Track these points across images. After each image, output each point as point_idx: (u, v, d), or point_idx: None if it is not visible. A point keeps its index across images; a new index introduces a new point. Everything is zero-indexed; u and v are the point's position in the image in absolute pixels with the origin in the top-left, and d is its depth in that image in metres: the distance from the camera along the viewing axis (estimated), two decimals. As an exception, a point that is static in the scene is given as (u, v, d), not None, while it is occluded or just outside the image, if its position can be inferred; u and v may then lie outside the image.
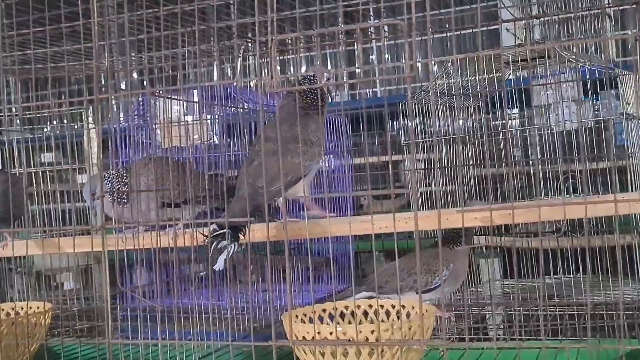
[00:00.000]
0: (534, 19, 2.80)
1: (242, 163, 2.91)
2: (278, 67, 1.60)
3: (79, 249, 1.99)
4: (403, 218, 1.74)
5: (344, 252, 3.27)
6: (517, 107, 3.01)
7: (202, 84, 1.65)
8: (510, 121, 3.20)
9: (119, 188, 2.18)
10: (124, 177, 2.21)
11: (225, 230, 1.79)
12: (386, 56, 5.03)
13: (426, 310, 1.75)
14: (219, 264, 1.79)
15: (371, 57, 5.19)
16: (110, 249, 1.87)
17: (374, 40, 5.08)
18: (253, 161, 2.00)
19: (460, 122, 3.06)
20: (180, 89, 1.85)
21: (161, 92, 1.94)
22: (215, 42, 1.84)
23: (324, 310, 1.93)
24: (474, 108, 3.14)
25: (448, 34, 3.48)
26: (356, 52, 4.96)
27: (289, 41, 2.55)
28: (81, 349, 2.30)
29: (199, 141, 2.82)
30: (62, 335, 2.47)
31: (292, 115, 1.96)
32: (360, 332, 1.62)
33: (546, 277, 3.10)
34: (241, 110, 2.73)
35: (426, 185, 2.99)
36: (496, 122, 3.12)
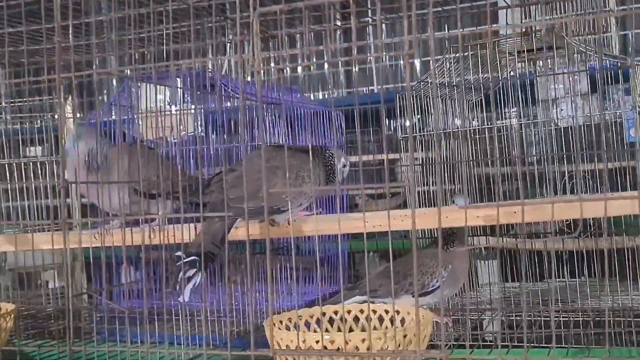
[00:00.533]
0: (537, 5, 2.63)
1: (227, 158, 2.77)
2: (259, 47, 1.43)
3: (40, 247, 1.83)
4: (399, 215, 1.58)
5: (337, 252, 3.13)
6: (521, 103, 2.84)
7: (176, 62, 1.47)
8: (510, 120, 3.03)
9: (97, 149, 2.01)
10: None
11: (192, 258, 1.65)
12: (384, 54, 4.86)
13: (422, 317, 1.59)
14: (185, 296, 1.64)
15: (370, 58, 5.02)
16: (73, 246, 1.70)
17: (370, 38, 4.92)
18: (234, 171, 1.85)
19: (459, 117, 2.90)
20: (154, 71, 1.67)
21: (133, 74, 1.76)
22: (192, 22, 1.67)
23: (311, 316, 1.76)
24: (475, 102, 2.98)
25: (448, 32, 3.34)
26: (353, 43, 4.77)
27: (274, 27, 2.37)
28: (40, 354, 2.13)
29: (183, 132, 2.66)
30: (22, 338, 2.29)
31: (299, 151, 1.87)
32: (350, 340, 1.46)
33: (549, 280, 2.95)
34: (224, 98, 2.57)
35: (424, 184, 2.82)
36: (499, 121, 2.96)
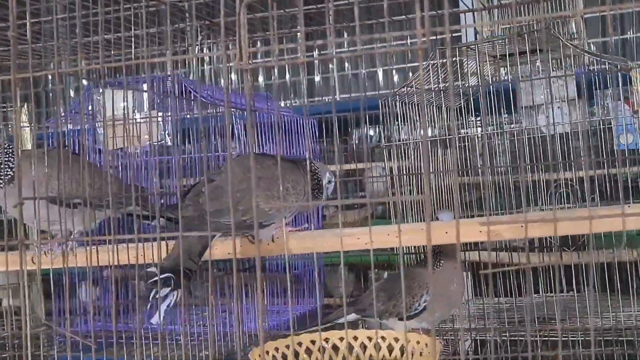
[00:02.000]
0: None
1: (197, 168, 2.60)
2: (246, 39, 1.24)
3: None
4: (412, 230, 1.40)
5: (310, 268, 2.99)
6: (506, 109, 2.70)
7: (150, 60, 1.28)
8: (501, 126, 2.88)
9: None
10: (8, 150, 1.82)
11: (167, 275, 1.47)
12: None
13: (426, 344, 1.42)
14: (156, 317, 1.47)
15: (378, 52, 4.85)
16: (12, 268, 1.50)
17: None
18: (212, 182, 1.68)
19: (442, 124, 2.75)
20: (124, 68, 1.48)
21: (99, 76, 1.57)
22: (168, 24, 1.48)
23: (300, 344, 1.57)
24: (456, 109, 2.82)
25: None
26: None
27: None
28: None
29: (149, 142, 2.47)
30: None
31: (282, 160, 1.67)
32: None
33: (536, 295, 2.81)
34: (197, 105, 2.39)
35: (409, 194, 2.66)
36: (491, 127, 2.81)
